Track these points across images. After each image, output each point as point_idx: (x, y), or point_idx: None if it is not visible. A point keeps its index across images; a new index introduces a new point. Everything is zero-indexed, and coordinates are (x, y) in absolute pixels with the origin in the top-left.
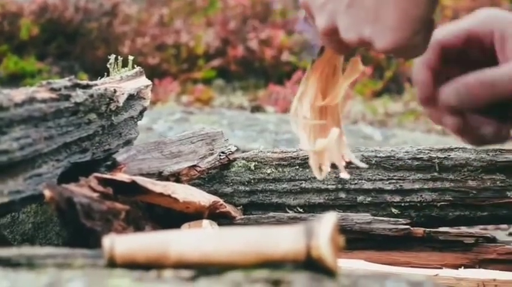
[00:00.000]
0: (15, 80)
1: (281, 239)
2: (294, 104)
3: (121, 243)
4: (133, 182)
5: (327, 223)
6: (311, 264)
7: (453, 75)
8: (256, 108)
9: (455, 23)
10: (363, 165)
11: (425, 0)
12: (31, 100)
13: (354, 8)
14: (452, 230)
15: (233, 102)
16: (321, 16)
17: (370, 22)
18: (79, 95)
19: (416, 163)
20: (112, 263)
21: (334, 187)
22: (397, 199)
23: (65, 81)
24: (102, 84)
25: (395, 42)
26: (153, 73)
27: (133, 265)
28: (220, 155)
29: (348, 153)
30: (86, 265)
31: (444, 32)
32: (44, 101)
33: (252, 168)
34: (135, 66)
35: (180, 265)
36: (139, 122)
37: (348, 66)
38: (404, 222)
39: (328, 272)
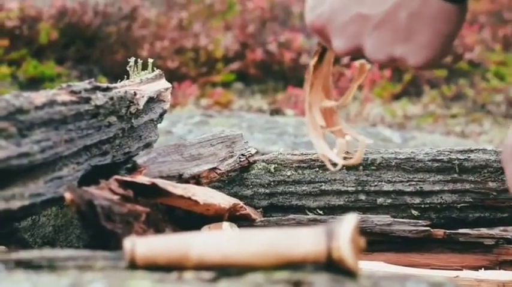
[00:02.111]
0: (34, 84)
1: (302, 240)
2: (307, 115)
3: (142, 245)
4: (154, 185)
5: (347, 224)
6: (332, 265)
7: None
8: (275, 111)
9: None
10: (369, 140)
11: (456, 15)
12: (51, 103)
13: (382, 29)
14: (473, 231)
15: (252, 106)
16: (340, 38)
17: (401, 41)
18: (99, 98)
19: (436, 164)
20: (133, 265)
21: (354, 189)
22: (417, 200)
23: (85, 84)
24: (122, 87)
25: (429, 58)
26: (172, 77)
27: (154, 267)
28: (240, 158)
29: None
30: (106, 266)
31: None
32: (64, 103)
33: (272, 170)
34: (155, 69)
35: (200, 267)
36: (158, 125)
37: (357, 71)
38: (425, 224)
39: (349, 273)
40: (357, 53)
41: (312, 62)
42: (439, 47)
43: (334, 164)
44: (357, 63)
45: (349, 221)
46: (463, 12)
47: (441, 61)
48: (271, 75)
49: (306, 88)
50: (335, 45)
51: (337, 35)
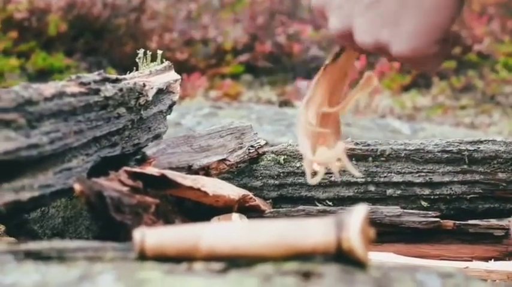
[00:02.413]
0: (43, 76)
1: (311, 231)
2: (302, 109)
3: (151, 236)
4: (163, 176)
5: (357, 214)
6: (341, 256)
7: None
8: (284, 103)
9: None
10: (358, 174)
11: (449, 10)
12: (61, 94)
13: (373, 10)
14: (482, 222)
15: (261, 97)
16: (335, 18)
17: (389, 26)
18: (108, 89)
19: (446, 155)
20: (142, 256)
21: (363, 180)
22: (427, 191)
23: (94, 76)
24: (131, 79)
25: (413, 49)
26: (181, 68)
27: (163, 258)
28: (249, 149)
29: (345, 159)
30: (116, 258)
31: None
32: (73, 95)
33: (281, 161)
34: (164, 60)
35: (210, 258)
36: (167, 117)
37: (362, 80)
38: (434, 215)
39: (359, 264)
40: (348, 38)
41: (327, 61)
42: (427, 39)
43: (314, 174)
44: (366, 74)
45: (358, 212)
46: (458, 4)
47: (435, 63)
48: (280, 67)
49: (311, 84)
50: (330, 24)
51: (334, 14)
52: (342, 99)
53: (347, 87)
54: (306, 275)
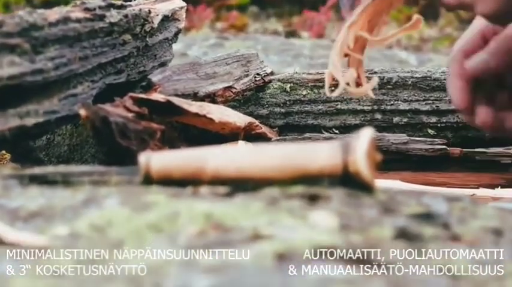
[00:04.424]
0: (49, 7)
1: (318, 154)
2: (344, 31)
3: (157, 160)
4: (169, 102)
5: (363, 138)
6: (348, 180)
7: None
8: (290, 34)
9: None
10: (371, 95)
11: None
12: (65, 20)
13: None
14: (489, 150)
15: (268, 28)
16: None
17: None
18: (113, 15)
19: None
20: (148, 180)
21: (370, 108)
22: (434, 119)
23: (99, 1)
24: (136, 5)
25: (496, 8)
26: (187, 0)
27: (169, 182)
28: (255, 77)
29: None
30: (121, 182)
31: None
32: (78, 20)
33: (288, 90)
34: None
35: (216, 181)
36: (173, 47)
37: (410, 22)
38: (441, 142)
39: (365, 187)
40: None
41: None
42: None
43: (332, 90)
44: (415, 16)
45: (365, 136)
46: None
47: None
48: None
49: (359, 7)
50: None
51: None
52: (376, 28)
53: (385, 17)
54: (312, 199)
